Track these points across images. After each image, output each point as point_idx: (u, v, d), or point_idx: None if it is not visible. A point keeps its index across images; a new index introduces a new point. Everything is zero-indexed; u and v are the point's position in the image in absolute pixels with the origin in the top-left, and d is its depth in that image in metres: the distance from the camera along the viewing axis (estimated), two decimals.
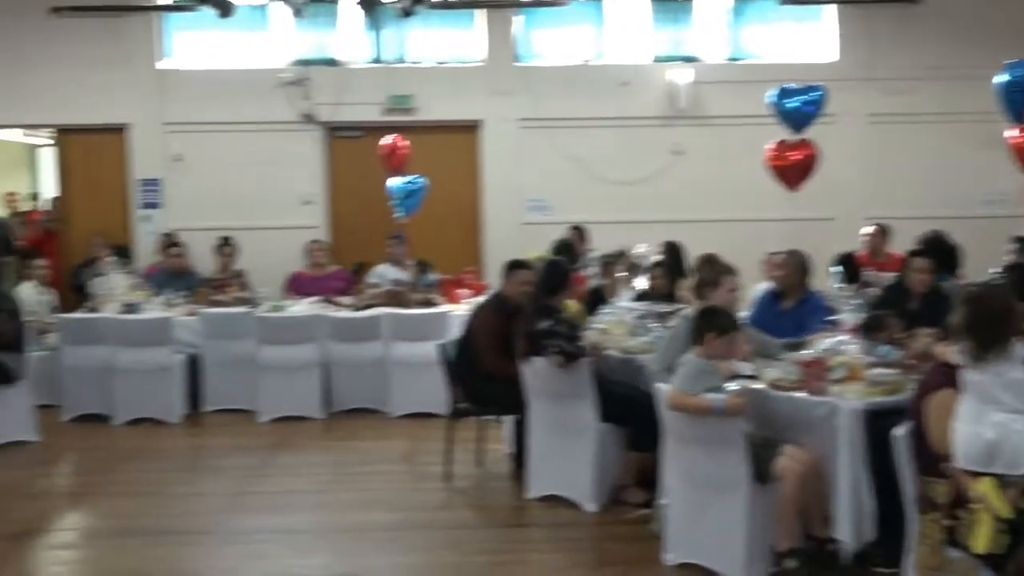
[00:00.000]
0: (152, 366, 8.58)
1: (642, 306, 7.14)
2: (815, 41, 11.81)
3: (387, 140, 9.84)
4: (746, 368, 5.24)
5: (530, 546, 5.55)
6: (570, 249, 9.49)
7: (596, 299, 7.87)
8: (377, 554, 5.42)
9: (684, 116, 11.57)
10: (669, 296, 7.53)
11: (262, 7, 11.42)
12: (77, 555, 5.61)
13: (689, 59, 11.70)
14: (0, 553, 5.54)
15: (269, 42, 11.60)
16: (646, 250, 9.06)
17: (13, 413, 7.92)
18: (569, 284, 6.49)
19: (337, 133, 11.67)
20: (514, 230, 11.41)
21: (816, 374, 5.05)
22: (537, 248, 8.86)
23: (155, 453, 7.71)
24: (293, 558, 5.37)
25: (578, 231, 10.40)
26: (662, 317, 6.69)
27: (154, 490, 6.77)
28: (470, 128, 11.73)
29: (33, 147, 15.04)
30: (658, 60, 11.72)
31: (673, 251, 8.71)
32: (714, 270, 6.04)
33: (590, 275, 9.06)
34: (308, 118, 11.47)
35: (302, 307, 9.03)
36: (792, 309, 6.73)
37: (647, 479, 5.83)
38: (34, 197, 14.15)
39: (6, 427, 7.85)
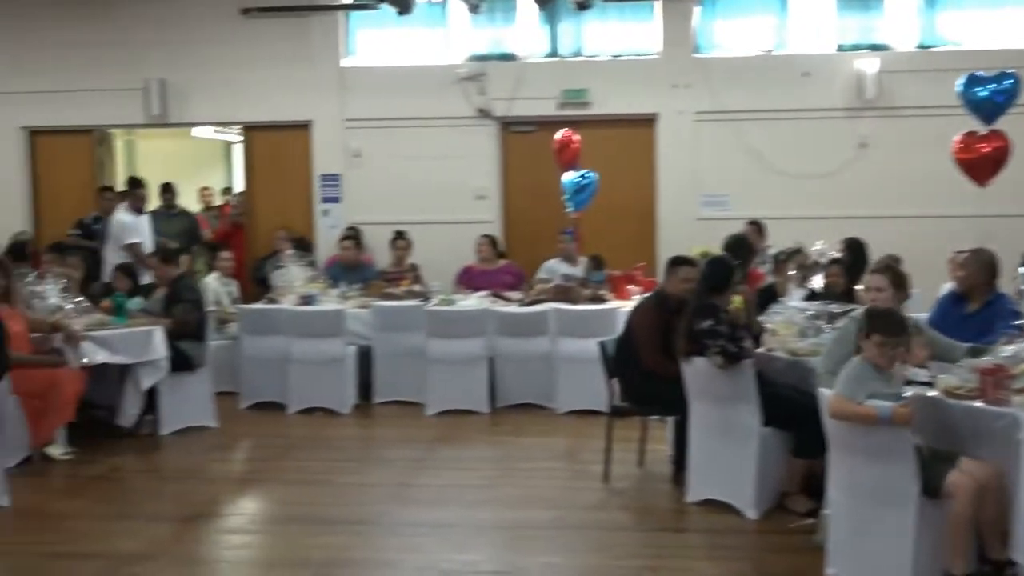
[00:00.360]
0: (325, 357, 8.79)
1: (814, 306, 6.82)
2: (1016, 26, 11.08)
3: (560, 134, 9.76)
4: (921, 374, 4.92)
5: (685, 552, 5.37)
6: (745, 245, 9.18)
7: (767, 297, 7.59)
8: (530, 553, 5.36)
9: (870, 107, 11.06)
10: (846, 296, 7.19)
11: (440, 4, 11.54)
12: (243, 540, 5.74)
13: (877, 47, 11.17)
14: (172, 534, 5.77)
15: (446, 38, 11.71)
16: (824, 247, 8.69)
17: (194, 399, 8.25)
18: (733, 283, 6.25)
19: (512, 128, 11.69)
20: (689, 225, 11.15)
21: (997, 382, 4.68)
22: (712, 244, 8.63)
23: (325, 442, 7.89)
24: (447, 552, 5.36)
25: (756, 226, 10.07)
26: (834, 318, 6.37)
27: (322, 479, 6.91)
28: (646, 122, 11.54)
29: (228, 144, 15.70)
30: (842, 49, 11.23)
31: (855, 248, 8.33)
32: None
33: (766, 272, 8.78)
34: (483, 113, 11.53)
35: (471, 301, 9.08)
36: (977, 312, 6.31)
37: (813, 487, 5.59)
38: (226, 191, 14.75)
39: (187, 413, 8.18)
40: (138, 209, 10.52)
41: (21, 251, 10.26)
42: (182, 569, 5.20)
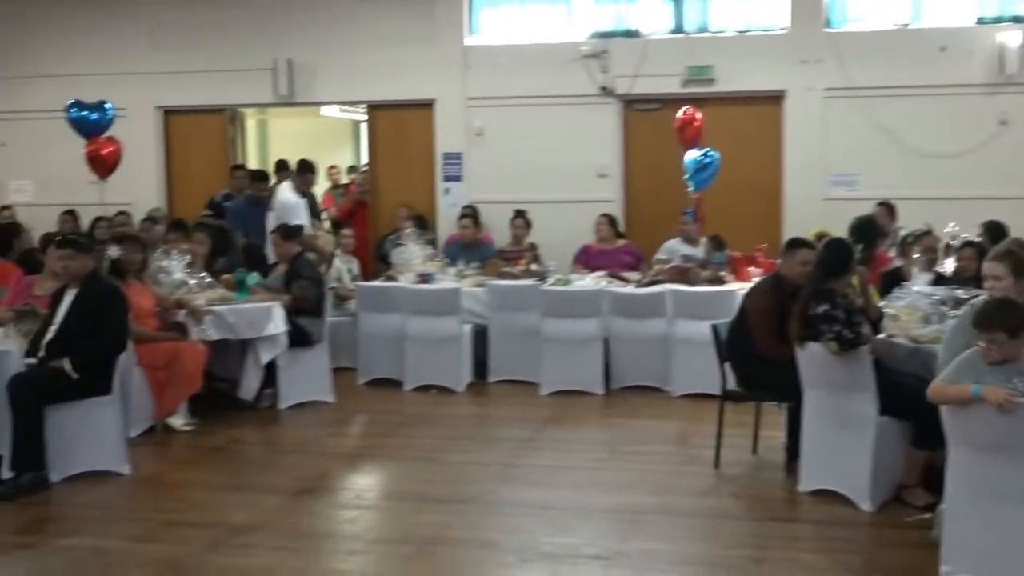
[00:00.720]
0: (441, 335, 8.83)
1: (940, 291, 6.52)
2: None
3: (682, 112, 9.56)
4: None
5: (793, 544, 5.20)
6: (874, 226, 8.86)
7: (892, 281, 7.29)
8: (632, 538, 5.28)
9: (1012, 83, 10.52)
10: (975, 281, 6.85)
11: None
12: (350, 514, 5.81)
13: (1019, 19, 10.61)
14: (282, 507, 5.88)
15: (569, 15, 11.59)
16: (956, 229, 8.30)
17: (312, 375, 8.39)
18: (851, 266, 6.01)
19: (634, 106, 11.52)
20: (816, 206, 10.81)
21: None
22: (839, 225, 8.34)
23: (438, 420, 7.93)
24: (547, 535, 5.32)
25: (886, 207, 9.71)
26: (960, 304, 6.07)
27: (431, 456, 6.95)
28: (773, 99, 11.22)
29: (356, 123, 15.91)
30: (982, 22, 10.71)
31: (995, 232, 7.98)
32: None
33: (894, 255, 8.45)
34: (606, 91, 11.38)
35: (587, 281, 8.99)
36: None
37: (933, 480, 5.33)
38: (352, 170, 14.96)
39: (305, 388, 8.33)
40: (303, 192, 10.43)
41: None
42: (289, 541, 5.28)
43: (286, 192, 10.06)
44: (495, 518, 5.68)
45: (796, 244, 6.48)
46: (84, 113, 10.46)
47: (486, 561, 5.03)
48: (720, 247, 9.70)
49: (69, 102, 10.56)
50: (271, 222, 9.78)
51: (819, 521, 5.50)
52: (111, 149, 10.55)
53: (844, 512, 5.56)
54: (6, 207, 12.08)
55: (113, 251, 7.52)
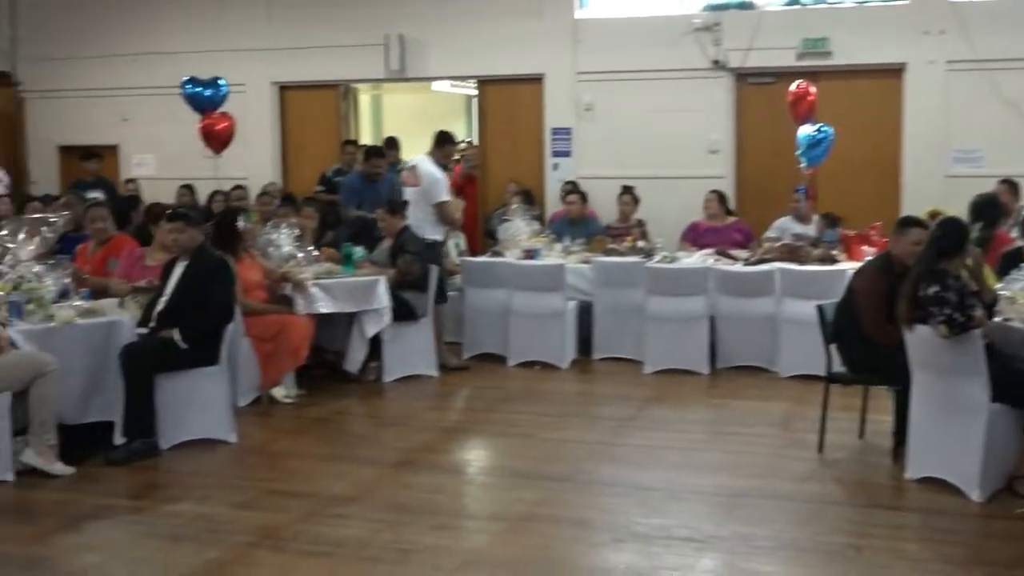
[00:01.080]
0: (545, 311, 8.80)
1: None
2: None
3: (795, 86, 9.31)
4: None
5: (896, 532, 5.03)
6: (995, 205, 8.49)
7: (1011, 262, 6.97)
8: (727, 521, 5.18)
9: None
10: None
11: None
12: (444, 489, 5.84)
13: None
14: (379, 479, 5.95)
15: None
16: None
17: (416, 349, 8.46)
18: (965, 247, 5.76)
19: (747, 79, 11.27)
20: (936, 183, 10.43)
21: None
22: (961, 203, 8.03)
23: (539, 396, 7.92)
24: (639, 515, 5.26)
25: (1009, 185, 9.31)
26: None
27: (530, 432, 6.95)
28: (892, 72, 10.85)
29: (469, 98, 15.94)
30: None
31: None
32: None
33: (1016, 236, 8.09)
34: (718, 64, 11.17)
35: (694, 259, 8.86)
36: None
37: None
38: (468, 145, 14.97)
39: (409, 362, 8.41)
40: (444, 165, 10.26)
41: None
42: (383, 513, 5.33)
43: (429, 165, 9.65)
44: (590, 497, 5.65)
45: (908, 223, 6.25)
46: (199, 89, 10.70)
47: (578, 540, 5.01)
48: (833, 225, 9.43)
49: (184, 79, 10.82)
50: (417, 196, 9.04)
51: (924, 510, 5.32)
52: (225, 125, 10.78)
53: (951, 501, 5.36)
54: (130, 180, 12.48)
55: (242, 222, 7.73)
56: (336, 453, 6.50)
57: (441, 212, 8.97)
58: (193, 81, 10.69)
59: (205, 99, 10.65)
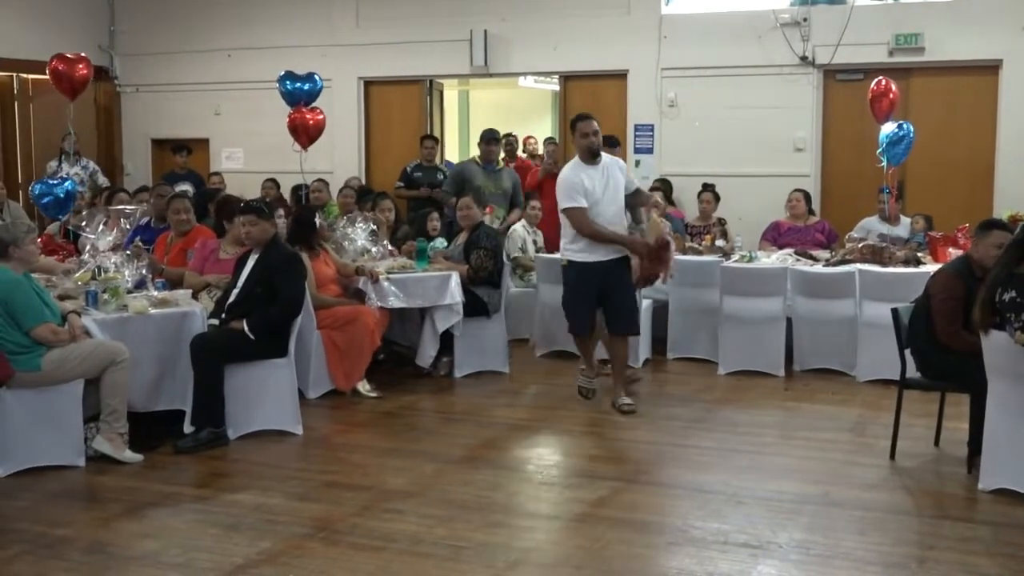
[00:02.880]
0: None
1: None
2: None
3: (875, 84, 9.05)
4: None
5: (964, 545, 4.84)
6: None
7: None
8: (785, 528, 5.04)
9: None
10: None
11: None
12: (504, 486, 5.80)
13: None
14: (439, 474, 5.93)
15: None
16: None
17: (488, 345, 8.46)
18: None
19: (835, 76, 11.02)
20: None
21: None
22: None
23: (610, 395, 7.81)
24: (697, 519, 5.17)
25: None
26: None
27: (597, 431, 6.90)
28: (988, 69, 10.51)
29: (555, 93, 15.89)
30: None
31: None
32: None
33: None
34: (806, 60, 10.94)
35: (772, 259, 8.68)
36: None
37: None
38: (549, 141, 14.93)
39: (481, 357, 8.41)
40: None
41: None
42: (438, 509, 5.32)
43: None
44: (649, 498, 5.57)
45: (990, 225, 6.03)
46: (296, 84, 10.76)
47: (631, 542, 4.93)
48: (925, 226, 9.19)
49: (281, 73, 10.93)
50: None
51: (996, 523, 5.12)
52: (314, 119, 10.86)
53: None
54: (215, 174, 12.72)
55: (320, 218, 7.82)
56: (399, 447, 6.52)
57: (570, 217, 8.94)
58: (290, 76, 10.78)
59: (302, 93, 10.70)
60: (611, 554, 4.81)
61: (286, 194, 11.56)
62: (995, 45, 10.37)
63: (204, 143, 13.71)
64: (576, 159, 7.26)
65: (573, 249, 7.21)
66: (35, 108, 13.55)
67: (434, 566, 4.62)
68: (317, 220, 7.97)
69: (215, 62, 13.41)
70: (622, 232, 7.17)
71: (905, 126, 8.85)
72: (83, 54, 9.82)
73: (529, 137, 14.44)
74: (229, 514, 5.29)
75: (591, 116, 7.26)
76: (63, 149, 11.43)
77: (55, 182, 9.41)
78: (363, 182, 12.29)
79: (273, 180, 11.87)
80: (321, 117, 10.73)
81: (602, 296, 7.20)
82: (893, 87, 8.94)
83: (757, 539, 4.89)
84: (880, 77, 9.11)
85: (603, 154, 7.19)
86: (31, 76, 13.32)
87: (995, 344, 5.40)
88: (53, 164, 11.76)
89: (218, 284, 7.10)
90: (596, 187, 7.05)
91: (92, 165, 12.32)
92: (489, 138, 10.22)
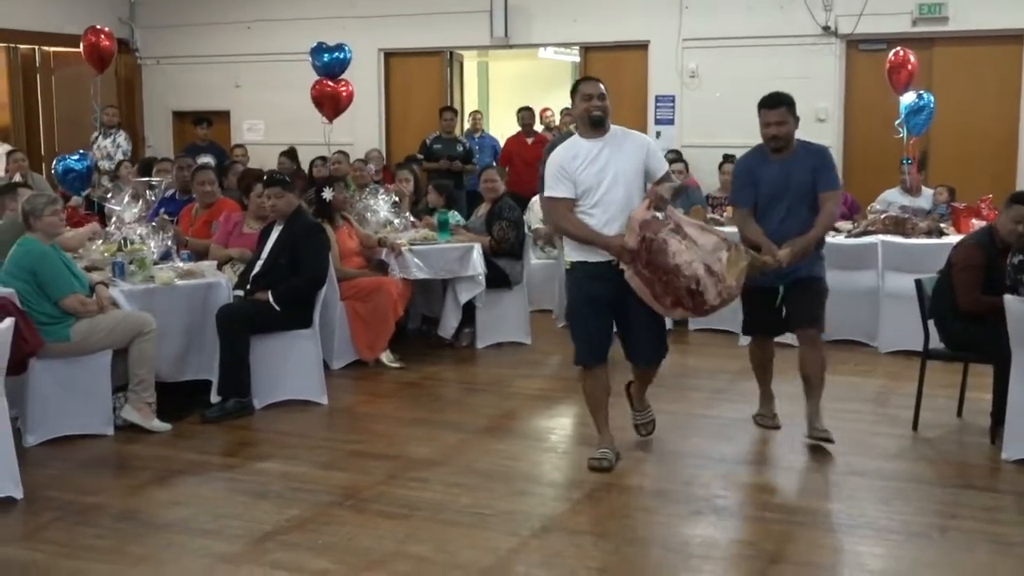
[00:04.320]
0: None
1: None
2: None
3: (893, 54, 9.00)
4: None
5: (986, 514, 4.87)
6: None
7: None
8: (806, 496, 5.12)
9: None
10: None
11: None
12: (525, 455, 5.88)
13: None
14: (462, 443, 5.99)
15: None
16: None
17: (510, 316, 8.51)
18: None
19: (858, 46, 10.96)
20: None
21: None
22: None
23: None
24: (719, 488, 5.21)
25: None
26: None
27: (618, 402, 6.81)
28: (1012, 39, 10.44)
29: (575, 64, 15.83)
30: None
31: None
32: None
33: None
34: (828, 30, 10.88)
35: None
36: None
37: None
38: (566, 112, 14.91)
39: (503, 328, 8.46)
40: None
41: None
42: (463, 478, 5.38)
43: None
44: (671, 468, 5.60)
45: (1013, 199, 6.01)
46: (331, 55, 10.68)
47: (654, 511, 4.98)
48: (949, 197, 9.16)
49: (307, 44, 10.87)
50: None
51: (1019, 492, 5.15)
52: (347, 91, 10.82)
53: None
54: (238, 146, 12.76)
55: (327, 192, 7.81)
56: (423, 417, 6.57)
57: None
58: (321, 48, 10.71)
59: (336, 64, 10.63)
60: (634, 522, 4.86)
61: (306, 166, 11.56)
62: (1019, 14, 10.30)
63: (225, 115, 13.76)
64: (576, 134, 5.60)
65: (573, 245, 5.44)
66: (56, 80, 13.61)
67: (460, 534, 4.67)
68: (326, 194, 7.91)
69: (235, 34, 13.43)
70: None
71: (925, 96, 8.81)
72: (106, 28, 9.86)
73: (546, 109, 14.39)
74: (257, 482, 5.36)
75: (598, 79, 5.61)
76: (103, 122, 11.55)
77: (76, 158, 9.48)
78: (383, 154, 12.31)
79: (288, 154, 11.87)
80: (351, 89, 10.69)
81: (617, 311, 5.44)
82: (912, 58, 8.89)
83: (780, 508, 4.93)
84: (898, 48, 9.06)
85: (615, 127, 5.44)
86: (53, 49, 13.38)
87: (1018, 313, 5.39)
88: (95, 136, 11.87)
89: (241, 258, 7.15)
90: (589, 169, 5.26)
91: (121, 138, 12.38)
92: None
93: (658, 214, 5.15)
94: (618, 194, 5.27)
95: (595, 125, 5.35)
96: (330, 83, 10.74)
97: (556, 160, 5.38)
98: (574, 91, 5.52)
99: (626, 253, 5.17)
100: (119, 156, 11.53)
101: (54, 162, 10.00)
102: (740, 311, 8.24)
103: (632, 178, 5.32)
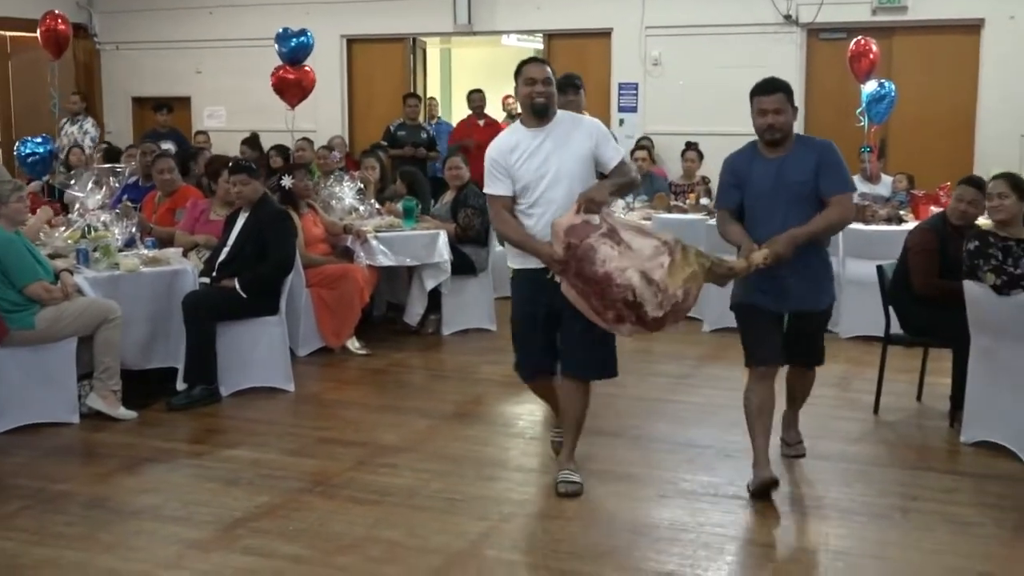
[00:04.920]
0: None
1: None
2: None
3: (854, 43, 9.12)
4: None
5: (946, 496, 4.97)
6: None
7: None
8: None
9: None
10: None
11: None
12: (496, 441, 5.94)
13: None
14: (431, 430, 6.03)
15: None
16: None
17: (476, 303, 8.54)
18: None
19: (819, 35, 11.07)
20: (1012, 143, 10.20)
21: None
22: None
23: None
24: (686, 472, 5.28)
25: None
26: None
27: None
28: (969, 28, 10.58)
29: (539, 51, 15.85)
30: None
31: None
32: None
33: None
34: (789, 19, 10.98)
35: None
36: None
37: None
38: None
39: (468, 315, 8.49)
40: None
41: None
42: (433, 464, 5.41)
43: None
44: (638, 453, 5.67)
45: (961, 181, 6.15)
46: (293, 40, 10.56)
47: (623, 495, 5.04)
48: (907, 184, 9.29)
49: (277, 31, 10.76)
50: None
51: (977, 474, 5.26)
52: (301, 78, 10.74)
53: (1007, 466, 5.30)
54: (201, 132, 12.67)
55: (287, 180, 7.78)
56: (391, 404, 6.60)
57: None
58: (287, 33, 10.56)
59: (300, 49, 10.50)
60: (603, 506, 4.92)
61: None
62: (977, 4, 10.46)
63: (186, 101, 13.65)
64: (518, 121, 5.00)
65: (513, 252, 5.00)
66: (14, 66, 13.43)
67: (431, 518, 4.70)
68: (285, 181, 7.85)
69: (197, 19, 13.32)
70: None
71: (887, 85, 8.93)
72: (63, 13, 9.75)
73: (508, 96, 14.44)
74: (226, 469, 5.36)
75: (544, 61, 5.13)
76: (67, 110, 11.46)
77: (39, 140, 9.38)
78: (346, 141, 12.27)
79: (249, 142, 11.79)
80: (312, 75, 10.58)
81: (559, 323, 4.92)
82: (873, 46, 9.01)
83: (741, 489, 5.00)
84: (860, 36, 9.17)
85: (563, 113, 4.91)
86: (9, 33, 13.20)
87: (976, 297, 5.50)
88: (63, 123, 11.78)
89: (207, 244, 7.12)
90: (528, 163, 4.76)
91: (88, 125, 12.26)
92: None
93: (589, 217, 4.53)
94: (559, 192, 4.72)
95: (538, 113, 4.77)
96: (292, 70, 10.62)
97: (492, 153, 4.86)
98: (517, 73, 4.85)
99: (555, 262, 4.59)
100: (87, 143, 11.43)
101: (16, 145, 9.86)
102: (706, 300, 8.42)
103: (577, 173, 4.76)
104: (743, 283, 5.00)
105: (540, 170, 4.76)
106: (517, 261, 4.93)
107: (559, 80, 5.17)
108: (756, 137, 4.94)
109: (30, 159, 9.16)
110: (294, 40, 10.38)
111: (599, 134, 4.89)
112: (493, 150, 4.87)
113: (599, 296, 4.51)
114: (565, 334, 4.90)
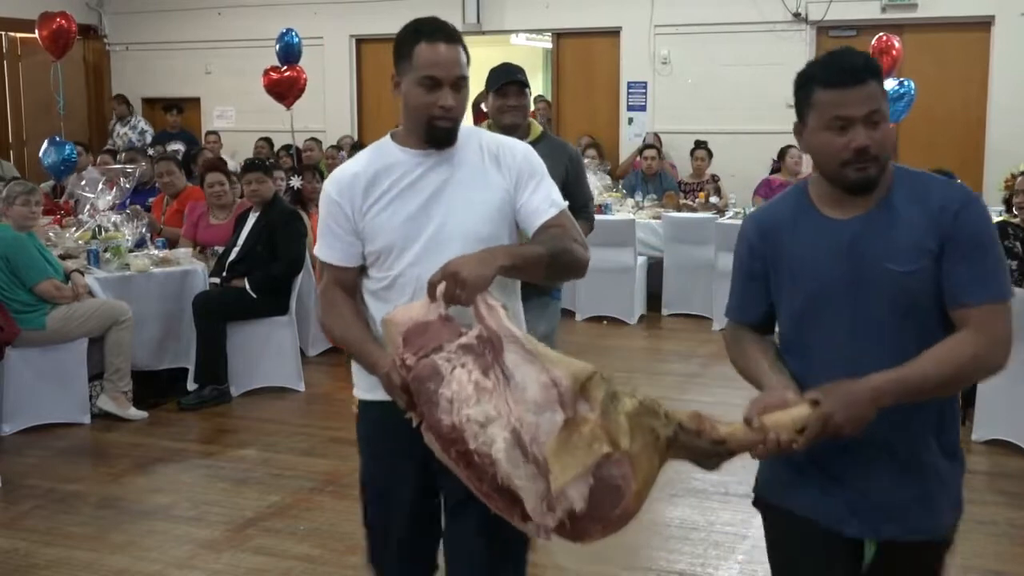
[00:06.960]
0: (615, 266, 8.77)
1: None
2: None
3: (876, 40, 9.09)
4: None
5: None
6: None
7: None
8: None
9: None
10: None
11: None
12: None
13: None
14: None
15: None
16: None
17: None
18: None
19: (828, 33, 11.03)
20: (1022, 142, 10.13)
21: None
22: None
23: (607, 351, 7.93)
24: (698, 472, 5.20)
25: None
26: None
27: None
28: (980, 25, 10.53)
29: (547, 51, 15.86)
30: None
31: None
32: None
33: None
34: (799, 17, 10.95)
35: None
36: None
37: None
38: (539, 99, 14.93)
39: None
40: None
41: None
42: None
43: None
44: None
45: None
46: (284, 39, 10.52)
47: None
48: None
49: (273, 30, 10.76)
50: None
51: (987, 472, 5.26)
52: (290, 78, 10.67)
53: (1019, 464, 5.30)
54: (212, 132, 12.70)
55: (295, 180, 7.80)
56: None
57: None
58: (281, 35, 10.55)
59: (288, 50, 10.48)
60: None
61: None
62: (987, 1, 10.40)
63: (195, 102, 13.67)
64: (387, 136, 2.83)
65: (357, 369, 2.77)
66: (24, 68, 13.47)
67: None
68: (294, 182, 7.88)
69: (206, 20, 13.34)
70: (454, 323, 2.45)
71: (907, 83, 8.91)
72: (67, 12, 9.77)
73: None
74: (237, 469, 5.37)
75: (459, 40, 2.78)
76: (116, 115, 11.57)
77: (68, 150, 9.41)
78: (353, 140, 12.28)
79: (266, 139, 11.85)
80: (300, 76, 10.51)
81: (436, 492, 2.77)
82: (896, 43, 8.98)
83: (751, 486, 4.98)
84: (881, 33, 9.16)
85: (471, 130, 2.83)
86: (19, 35, 13.24)
87: None
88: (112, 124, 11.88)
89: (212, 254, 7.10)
90: (396, 206, 2.64)
91: (142, 125, 12.31)
92: None
93: (452, 315, 2.44)
94: (443, 262, 2.46)
95: (435, 140, 2.67)
96: (278, 71, 10.51)
97: (331, 189, 2.71)
98: (405, 56, 2.81)
99: (396, 389, 2.45)
100: (146, 140, 11.49)
101: (44, 146, 9.68)
102: (717, 299, 8.43)
103: (482, 232, 2.62)
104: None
105: (416, 220, 2.63)
106: (362, 385, 2.77)
107: (493, 72, 3.87)
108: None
109: (62, 167, 9.15)
110: (280, 41, 10.39)
111: (523, 167, 2.72)
112: (333, 184, 2.73)
113: (465, 463, 2.38)
114: (450, 530, 2.77)
